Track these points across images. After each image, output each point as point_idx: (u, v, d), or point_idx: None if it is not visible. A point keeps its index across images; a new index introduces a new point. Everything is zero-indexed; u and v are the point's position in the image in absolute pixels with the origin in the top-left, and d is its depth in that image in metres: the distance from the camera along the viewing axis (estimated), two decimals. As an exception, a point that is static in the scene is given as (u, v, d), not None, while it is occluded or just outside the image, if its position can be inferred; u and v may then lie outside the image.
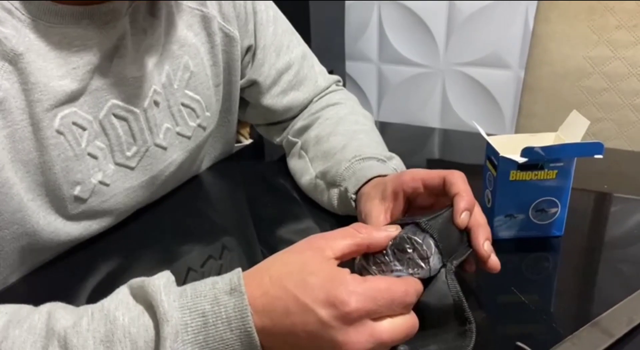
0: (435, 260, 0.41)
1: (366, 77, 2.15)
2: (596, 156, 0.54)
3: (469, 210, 0.48)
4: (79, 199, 0.57)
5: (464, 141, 0.94)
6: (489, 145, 0.58)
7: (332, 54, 2.05)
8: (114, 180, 0.60)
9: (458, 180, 0.49)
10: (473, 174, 0.65)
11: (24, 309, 0.40)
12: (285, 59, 0.75)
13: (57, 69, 0.52)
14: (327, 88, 0.81)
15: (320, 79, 0.80)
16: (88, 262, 0.60)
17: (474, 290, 0.53)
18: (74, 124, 0.55)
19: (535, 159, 0.55)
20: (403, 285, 0.39)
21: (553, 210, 0.58)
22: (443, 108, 2.06)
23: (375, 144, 0.69)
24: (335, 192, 0.64)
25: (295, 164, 0.74)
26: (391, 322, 0.38)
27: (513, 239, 0.60)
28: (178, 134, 0.67)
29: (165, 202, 0.71)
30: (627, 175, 0.76)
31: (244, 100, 0.79)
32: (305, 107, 0.79)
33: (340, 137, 0.69)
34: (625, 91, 1.03)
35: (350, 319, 0.36)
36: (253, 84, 0.75)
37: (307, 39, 1.86)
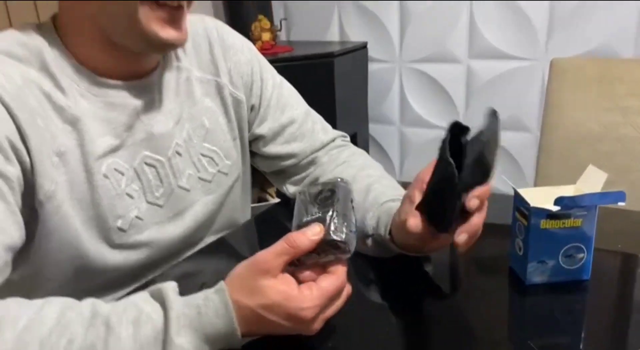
0: (352, 245, 0.55)
1: (389, 139, 2.23)
2: (619, 204, 0.60)
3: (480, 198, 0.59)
4: (121, 230, 0.71)
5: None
6: (519, 196, 0.64)
7: (356, 117, 2.13)
8: (146, 216, 0.73)
9: None
10: (494, 232, 0.68)
11: (72, 299, 0.53)
12: (289, 115, 0.86)
13: (101, 128, 0.67)
14: (333, 141, 0.90)
15: (321, 133, 0.89)
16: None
17: (494, 336, 0.56)
18: (116, 170, 0.69)
19: (566, 207, 0.61)
20: (335, 280, 0.53)
21: (580, 255, 0.64)
22: (463, 169, 2.10)
23: (388, 188, 0.77)
24: (369, 241, 0.72)
25: None
26: (336, 305, 0.55)
27: (545, 283, 0.65)
28: (200, 178, 0.79)
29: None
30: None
31: (251, 152, 0.89)
32: (308, 156, 0.87)
33: (357, 195, 0.75)
34: (637, 155, 1.07)
35: (310, 322, 0.52)
36: (257, 137, 0.87)
37: (332, 103, 1.93)
